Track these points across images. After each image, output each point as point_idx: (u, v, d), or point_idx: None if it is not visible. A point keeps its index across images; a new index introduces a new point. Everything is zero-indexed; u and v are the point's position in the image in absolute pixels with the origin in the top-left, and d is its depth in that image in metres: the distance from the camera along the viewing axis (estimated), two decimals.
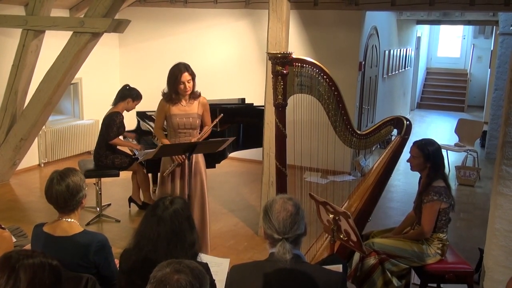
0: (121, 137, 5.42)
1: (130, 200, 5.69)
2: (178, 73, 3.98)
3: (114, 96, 5.40)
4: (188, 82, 4.01)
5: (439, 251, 3.46)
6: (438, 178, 3.45)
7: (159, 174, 4.32)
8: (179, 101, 4.08)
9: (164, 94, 4.13)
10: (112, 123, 5.18)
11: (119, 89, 5.41)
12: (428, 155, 3.48)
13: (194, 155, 4.13)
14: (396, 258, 3.43)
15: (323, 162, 5.71)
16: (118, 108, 5.28)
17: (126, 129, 6.22)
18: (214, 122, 4.16)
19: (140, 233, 2.24)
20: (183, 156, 4.00)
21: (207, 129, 4.19)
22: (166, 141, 4.14)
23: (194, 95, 4.13)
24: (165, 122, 4.21)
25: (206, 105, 4.19)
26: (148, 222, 2.23)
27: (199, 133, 4.16)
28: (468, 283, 3.47)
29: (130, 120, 6.48)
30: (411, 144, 3.62)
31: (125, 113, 5.42)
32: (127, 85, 5.41)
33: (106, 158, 5.25)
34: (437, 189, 3.40)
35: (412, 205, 3.72)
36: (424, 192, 3.45)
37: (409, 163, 3.62)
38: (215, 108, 4.84)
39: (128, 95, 5.31)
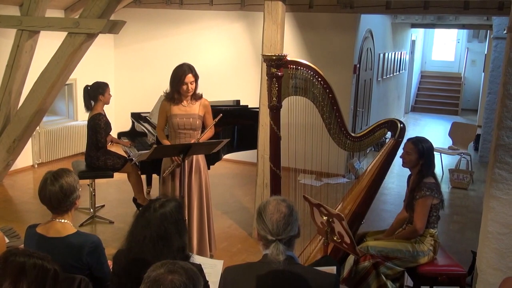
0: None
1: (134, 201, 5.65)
2: (182, 74, 3.97)
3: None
4: (191, 84, 4.00)
5: (432, 248, 3.48)
6: (429, 175, 3.50)
7: (161, 173, 4.30)
8: (181, 102, 4.07)
9: (166, 94, 4.13)
10: (98, 128, 5.11)
11: (84, 95, 5.23)
12: (422, 152, 3.52)
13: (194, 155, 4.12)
14: (391, 260, 3.44)
15: (317, 164, 5.72)
16: (97, 109, 5.18)
17: (122, 130, 6.22)
18: (214, 122, 4.15)
19: (130, 235, 2.24)
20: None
21: (206, 131, 4.16)
22: (167, 142, 4.14)
23: (196, 96, 4.12)
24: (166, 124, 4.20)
25: (207, 107, 4.18)
26: (137, 224, 2.23)
27: (200, 134, 4.15)
28: (460, 285, 3.50)
29: (125, 121, 6.47)
30: (405, 141, 3.66)
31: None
32: (87, 85, 5.27)
33: (98, 160, 5.22)
34: (428, 185, 3.45)
35: (403, 205, 3.75)
36: (416, 188, 3.49)
37: (401, 163, 3.65)
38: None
39: (96, 93, 5.18)
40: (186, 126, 4.07)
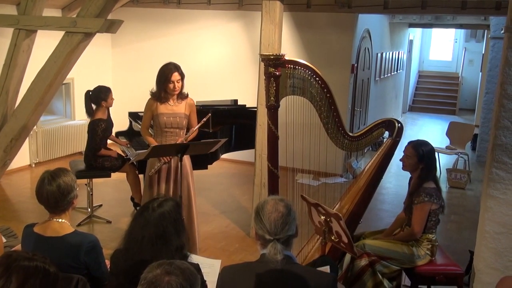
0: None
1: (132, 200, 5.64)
2: (168, 73, 4.02)
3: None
4: (178, 82, 4.04)
5: (429, 252, 3.48)
6: (429, 180, 3.48)
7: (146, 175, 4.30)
8: (167, 101, 4.12)
9: (152, 93, 4.16)
10: (95, 135, 5.11)
11: (85, 100, 5.23)
12: (422, 156, 3.50)
13: None
14: (387, 260, 3.44)
15: (315, 164, 5.73)
16: (97, 114, 5.18)
17: (119, 129, 6.20)
18: (202, 122, 4.17)
19: (128, 235, 2.24)
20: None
21: (194, 130, 4.21)
22: (153, 141, 4.16)
23: (182, 96, 4.17)
24: (152, 122, 4.22)
25: (193, 106, 4.22)
26: (135, 224, 2.22)
27: (186, 133, 4.17)
28: (458, 285, 3.50)
29: (122, 121, 6.46)
30: (406, 144, 3.64)
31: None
32: (89, 91, 5.27)
33: (95, 162, 5.21)
34: (428, 190, 3.42)
35: (403, 207, 3.74)
36: (414, 193, 3.47)
37: (400, 164, 3.64)
38: (208, 110, 4.85)
39: (98, 99, 5.18)
40: (173, 125, 4.11)
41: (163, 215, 2.20)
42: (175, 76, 4.02)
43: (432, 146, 3.62)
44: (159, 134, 4.19)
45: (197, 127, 4.20)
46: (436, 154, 7.70)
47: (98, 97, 5.19)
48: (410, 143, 3.60)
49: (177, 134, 4.16)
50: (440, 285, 3.53)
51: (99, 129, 5.12)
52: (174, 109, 4.12)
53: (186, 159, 4.25)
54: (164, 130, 4.14)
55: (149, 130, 4.32)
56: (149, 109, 4.16)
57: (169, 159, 4.08)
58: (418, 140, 3.64)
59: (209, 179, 6.82)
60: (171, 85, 4.03)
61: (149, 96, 4.19)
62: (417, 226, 3.43)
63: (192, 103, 4.22)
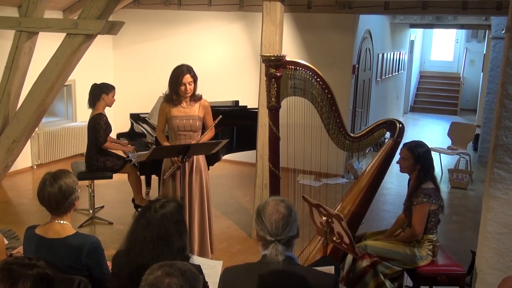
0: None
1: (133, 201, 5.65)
2: (180, 75, 3.97)
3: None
4: (189, 84, 4.00)
5: (430, 253, 3.48)
6: (427, 180, 3.47)
7: (161, 174, 4.30)
8: (180, 103, 4.07)
9: (165, 96, 4.13)
10: (97, 127, 5.10)
11: (90, 90, 5.27)
12: (418, 157, 3.49)
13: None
14: (389, 261, 3.44)
15: (316, 164, 5.73)
16: (98, 109, 5.19)
17: (120, 131, 6.21)
18: (213, 124, 4.14)
19: (130, 235, 2.24)
20: None
21: (206, 133, 4.16)
22: (167, 144, 4.13)
23: (195, 98, 4.11)
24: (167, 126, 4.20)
25: (207, 108, 4.18)
26: (137, 225, 2.22)
27: (201, 135, 4.15)
28: (460, 285, 3.50)
29: (123, 122, 6.47)
30: (402, 146, 3.64)
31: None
32: (95, 83, 5.31)
33: (97, 161, 5.21)
34: (426, 191, 3.42)
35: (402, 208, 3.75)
36: (413, 194, 3.47)
37: (399, 169, 3.64)
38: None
39: (100, 91, 5.20)
40: (186, 127, 4.07)
41: (165, 216, 2.20)
42: (187, 78, 3.98)
43: (427, 146, 3.61)
44: (173, 137, 4.15)
45: (209, 129, 4.16)
46: (438, 154, 7.77)
47: (101, 89, 5.20)
48: (405, 145, 3.59)
49: (191, 137, 4.10)
50: (442, 285, 3.52)
51: (101, 121, 5.11)
52: (187, 111, 4.07)
53: (201, 158, 4.24)
54: (178, 133, 4.09)
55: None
56: (163, 113, 4.12)
57: (179, 163, 4.01)
58: (413, 142, 3.63)
59: (210, 180, 6.78)
60: (182, 88, 3.99)
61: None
62: (418, 227, 3.42)
63: (206, 104, 4.17)
